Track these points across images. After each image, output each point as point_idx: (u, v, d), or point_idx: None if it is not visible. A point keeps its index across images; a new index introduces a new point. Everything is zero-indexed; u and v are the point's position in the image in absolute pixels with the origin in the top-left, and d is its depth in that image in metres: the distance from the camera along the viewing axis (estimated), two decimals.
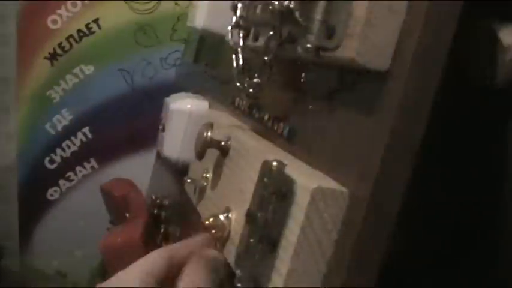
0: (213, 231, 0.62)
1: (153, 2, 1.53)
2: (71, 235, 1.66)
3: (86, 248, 1.67)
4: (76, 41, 1.53)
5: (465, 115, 0.56)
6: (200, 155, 0.69)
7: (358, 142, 0.48)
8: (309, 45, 0.49)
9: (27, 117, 1.58)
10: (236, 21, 0.69)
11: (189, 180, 0.77)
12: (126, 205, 1.21)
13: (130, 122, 1.59)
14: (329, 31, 0.47)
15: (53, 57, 1.53)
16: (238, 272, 0.54)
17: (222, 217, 0.62)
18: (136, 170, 1.50)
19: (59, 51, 1.53)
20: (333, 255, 0.47)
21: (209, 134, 0.68)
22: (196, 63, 1.23)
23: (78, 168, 1.62)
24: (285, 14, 0.53)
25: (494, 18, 0.50)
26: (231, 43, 0.69)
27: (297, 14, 0.51)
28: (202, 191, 0.74)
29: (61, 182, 1.63)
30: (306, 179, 0.47)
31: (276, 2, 0.54)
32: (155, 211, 1.16)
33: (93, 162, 1.62)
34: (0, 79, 1.55)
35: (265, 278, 0.49)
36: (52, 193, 1.63)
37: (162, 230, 1.09)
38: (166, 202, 1.17)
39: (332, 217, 0.46)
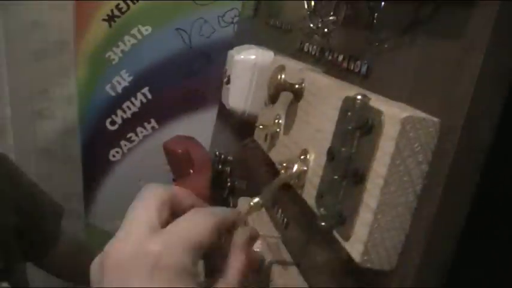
0: (289, 175, 0.61)
1: None
2: (132, 195, 1.67)
3: None
4: (133, 2, 1.53)
5: None
6: (273, 99, 0.67)
7: (445, 72, 0.46)
8: None
9: (87, 80, 1.59)
10: None
11: (260, 126, 0.76)
12: (190, 161, 1.21)
13: (188, 81, 1.59)
14: None
15: (110, 18, 1.54)
16: (321, 210, 0.53)
17: (299, 160, 0.61)
18: (196, 129, 1.49)
19: (116, 12, 1.53)
20: (424, 188, 0.45)
21: (283, 76, 0.66)
22: (256, 17, 1.22)
23: (139, 129, 1.64)
24: None
25: None
26: None
27: None
28: (274, 137, 0.73)
29: (122, 142, 1.64)
30: (394, 110, 0.45)
31: None
32: (219, 166, 1.15)
33: (153, 123, 1.63)
34: (59, 42, 1.56)
35: (352, 214, 0.48)
36: (114, 154, 1.65)
37: (229, 185, 1.09)
38: (230, 157, 1.17)
39: (423, 148, 0.44)
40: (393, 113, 0.45)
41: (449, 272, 0.46)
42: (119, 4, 1.53)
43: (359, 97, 0.49)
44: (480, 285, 0.56)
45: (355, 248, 0.47)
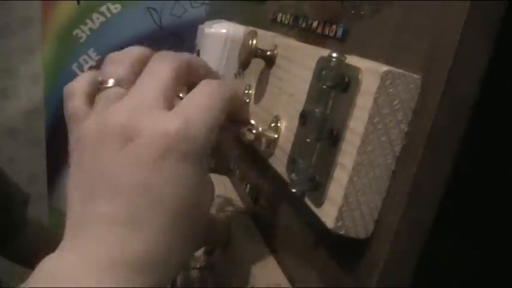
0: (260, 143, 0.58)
1: None
2: None
3: None
4: None
5: None
6: (244, 65, 0.64)
7: (426, 27, 0.43)
8: None
9: (54, 58, 1.54)
10: None
11: None
12: None
13: None
14: None
15: None
16: (292, 176, 0.50)
17: (269, 127, 0.58)
18: None
19: None
20: (404, 148, 0.42)
21: (254, 42, 0.63)
22: None
23: None
24: None
25: None
26: None
27: None
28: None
29: None
30: (373, 65, 0.42)
31: None
32: None
33: None
34: (24, 18, 1.50)
35: (325, 177, 0.45)
36: None
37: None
38: None
39: (403, 106, 0.41)
40: (372, 68, 0.42)
41: (429, 241, 0.43)
42: None
43: (334, 55, 0.46)
44: (459, 256, 0.53)
45: (328, 213, 0.44)
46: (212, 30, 0.93)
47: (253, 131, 0.58)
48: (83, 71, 1.53)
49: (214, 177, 0.82)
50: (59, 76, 1.56)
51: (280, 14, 0.75)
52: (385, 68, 0.41)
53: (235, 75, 0.77)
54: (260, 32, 0.73)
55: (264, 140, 0.58)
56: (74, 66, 1.54)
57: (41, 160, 1.63)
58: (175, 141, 0.44)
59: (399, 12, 0.47)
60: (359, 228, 0.43)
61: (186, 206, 0.46)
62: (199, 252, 0.79)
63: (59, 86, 1.54)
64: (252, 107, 0.68)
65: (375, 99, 0.40)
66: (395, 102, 0.41)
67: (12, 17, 1.50)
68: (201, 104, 0.47)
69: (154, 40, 1.53)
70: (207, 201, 0.51)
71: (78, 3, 1.50)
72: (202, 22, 1.39)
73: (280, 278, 0.58)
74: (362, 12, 0.54)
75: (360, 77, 0.43)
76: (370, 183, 0.42)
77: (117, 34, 1.52)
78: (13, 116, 1.59)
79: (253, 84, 0.69)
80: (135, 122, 0.45)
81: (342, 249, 0.48)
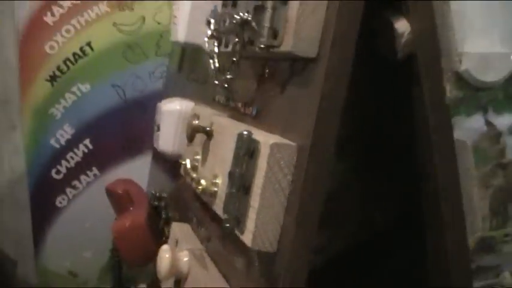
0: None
1: (137, 23, 1.72)
2: (79, 238, 1.83)
3: (94, 249, 1.85)
4: (72, 63, 1.72)
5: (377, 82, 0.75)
6: (191, 138, 0.87)
7: (301, 111, 0.67)
8: (262, 45, 0.68)
9: (33, 134, 1.75)
10: (211, 34, 0.88)
11: (183, 162, 0.95)
12: (130, 199, 1.39)
13: (125, 131, 1.77)
14: (274, 33, 0.67)
15: (52, 79, 1.72)
16: (225, 216, 0.73)
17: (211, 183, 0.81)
18: (134, 173, 1.68)
19: (57, 73, 1.71)
20: (291, 192, 0.65)
21: (196, 121, 0.87)
22: (180, 72, 1.42)
23: (82, 177, 1.80)
24: (244, 24, 0.72)
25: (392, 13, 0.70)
26: (208, 50, 0.88)
27: (252, 23, 0.71)
28: (194, 169, 0.93)
29: (68, 190, 1.80)
30: (267, 139, 0.66)
31: (238, 16, 0.73)
32: (155, 202, 1.34)
33: (95, 170, 1.80)
34: (5, 101, 1.72)
35: (243, 215, 0.68)
36: (60, 201, 1.81)
37: (164, 216, 1.27)
38: (164, 194, 1.35)
39: (287, 164, 0.65)
40: (265, 141, 0.65)
41: (315, 252, 0.66)
42: (59, 66, 1.71)
43: (245, 132, 0.70)
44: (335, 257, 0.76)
45: (247, 237, 0.67)
46: (167, 107, 1.16)
47: (200, 187, 0.81)
48: (60, 144, 1.75)
49: (179, 225, 1.05)
50: (38, 149, 1.77)
51: (217, 96, 0.99)
52: (272, 141, 0.64)
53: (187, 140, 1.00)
54: (202, 110, 0.96)
55: (207, 192, 0.81)
56: (52, 141, 1.75)
57: (26, 224, 1.82)
58: None
59: (287, 107, 0.71)
60: (267, 245, 0.66)
61: None
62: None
63: (39, 159, 1.76)
64: (201, 169, 0.91)
65: (268, 162, 0.64)
66: (281, 162, 0.64)
67: None
68: None
69: (121, 112, 1.75)
70: None
71: (52, 85, 1.72)
72: (160, 94, 1.64)
73: None
74: (270, 94, 0.78)
75: (259, 147, 0.66)
76: (271, 216, 0.65)
77: (88, 109, 1.74)
78: None
79: (199, 151, 0.92)
80: None
81: (260, 260, 0.70)
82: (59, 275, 1.85)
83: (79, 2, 1.71)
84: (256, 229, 0.65)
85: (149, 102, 1.70)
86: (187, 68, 1.34)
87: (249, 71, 0.84)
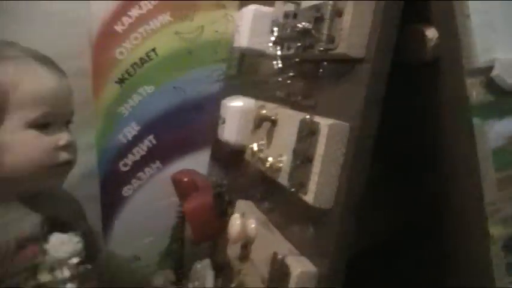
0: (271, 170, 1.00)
1: (196, 32, 1.93)
2: (142, 225, 2.03)
3: (155, 235, 2.04)
4: (139, 67, 1.91)
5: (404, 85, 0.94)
6: (258, 126, 1.07)
7: (350, 101, 0.86)
8: (321, 48, 0.88)
9: (104, 130, 1.96)
10: (274, 40, 1.07)
11: (250, 146, 1.14)
12: (195, 186, 1.59)
13: (185, 128, 1.97)
14: (331, 39, 0.86)
15: (121, 81, 1.92)
16: (290, 182, 0.92)
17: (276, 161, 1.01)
18: (193, 166, 1.88)
19: (126, 76, 1.91)
20: (343, 161, 0.85)
21: (263, 111, 1.06)
22: (240, 74, 1.62)
23: (146, 169, 1.99)
24: (305, 32, 0.92)
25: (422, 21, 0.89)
26: (272, 54, 1.08)
27: (312, 31, 0.90)
28: (261, 151, 1.12)
29: (133, 181, 1.99)
30: (325, 121, 0.85)
31: (300, 25, 0.93)
32: (218, 188, 1.52)
33: (158, 163, 1.99)
34: (82, 102, 1.93)
35: (307, 180, 0.87)
36: (126, 191, 2.00)
37: (227, 198, 1.46)
38: (225, 181, 1.54)
39: (341, 139, 0.84)
40: (324, 123, 0.85)
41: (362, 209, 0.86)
42: (127, 69, 1.92)
43: (307, 117, 0.89)
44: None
45: (310, 196, 0.86)
46: (232, 104, 1.36)
47: (267, 164, 1.01)
48: (127, 139, 1.95)
49: (243, 202, 1.24)
50: (108, 144, 1.98)
51: (278, 92, 1.18)
52: (330, 121, 0.83)
53: (251, 132, 1.19)
54: (266, 103, 1.16)
55: (274, 168, 1.00)
56: (120, 136, 1.96)
57: (96, 213, 2.03)
58: None
59: (338, 98, 0.90)
60: (325, 202, 0.85)
61: None
62: None
63: (108, 153, 1.97)
64: (266, 151, 1.10)
65: (327, 138, 0.83)
66: (337, 137, 0.84)
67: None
68: None
69: (182, 111, 1.95)
70: None
71: (121, 86, 1.93)
72: (217, 96, 1.83)
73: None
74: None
75: (319, 127, 0.85)
76: (328, 180, 0.85)
77: (153, 108, 1.94)
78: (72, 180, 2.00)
79: (264, 137, 1.11)
80: None
81: (320, 217, 0.90)
82: (124, 258, 2.04)
83: (145, 12, 1.92)
84: (317, 189, 0.85)
85: (206, 103, 1.89)
86: (246, 71, 1.54)
87: (306, 71, 1.04)
